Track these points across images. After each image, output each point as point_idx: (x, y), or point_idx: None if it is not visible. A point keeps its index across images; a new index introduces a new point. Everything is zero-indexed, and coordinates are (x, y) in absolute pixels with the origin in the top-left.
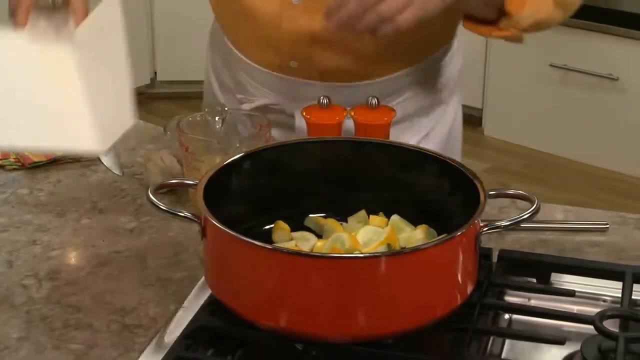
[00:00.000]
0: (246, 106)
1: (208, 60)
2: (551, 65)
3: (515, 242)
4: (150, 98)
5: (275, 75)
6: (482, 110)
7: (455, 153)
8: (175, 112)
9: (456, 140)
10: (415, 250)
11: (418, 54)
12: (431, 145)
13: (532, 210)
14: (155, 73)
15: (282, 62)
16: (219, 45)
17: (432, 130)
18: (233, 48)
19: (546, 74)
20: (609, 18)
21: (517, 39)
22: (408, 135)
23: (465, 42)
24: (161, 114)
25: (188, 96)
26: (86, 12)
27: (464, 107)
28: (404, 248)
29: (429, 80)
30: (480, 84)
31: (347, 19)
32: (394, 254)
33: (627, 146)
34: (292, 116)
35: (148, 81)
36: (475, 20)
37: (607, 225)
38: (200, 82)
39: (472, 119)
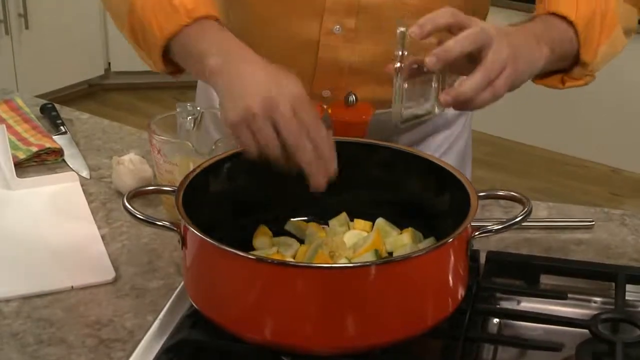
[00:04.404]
0: None
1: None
2: None
3: (500, 241)
4: (105, 89)
5: None
6: None
7: (468, 170)
8: (131, 103)
9: (469, 156)
10: (406, 258)
11: None
12: (452, 158)
13: (525, 213)
14: (109, 64)
15: (313, 92)
16: None
17: (453, 144)
18: None
19: None
20: None
21: (589, 82)
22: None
23: None
24: (117, 106)
25: (143, 87)
26: None
27: None
28: (391, 255)
29: None
30: None
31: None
32: (384, 263)
33: (588, 132)
34: None
35: (102, 72)
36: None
37: (593, 223)
38: (156, 74)
39: None
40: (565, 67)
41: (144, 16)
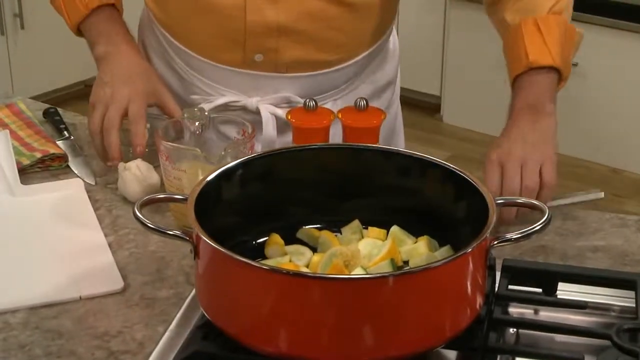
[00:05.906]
0: (205, 106)
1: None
2: None
3: (515, 248)
4: None
5: (236, 72)
6: (440, 97)
7: (400, 139)
8: None
9: (400, 125)
10: (425, 269)
11: (373, 37)
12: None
13: (544, 221)
14: None
15: (246, 58)
16: (156, 46)
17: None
18: (183, 47)
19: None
20: None
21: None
22: None
23: (423, 28)
24: None
25: None
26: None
27: (422, 94)
28: (406, 264)
29: (381, 63)
30: (438, 71)
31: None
32: (403, 274)
33: (587, 132)
34: (255, 112)
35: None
36: None
37: (602, 194)
38: None
39: (430, 107)
40: None
41: (57, 4)
